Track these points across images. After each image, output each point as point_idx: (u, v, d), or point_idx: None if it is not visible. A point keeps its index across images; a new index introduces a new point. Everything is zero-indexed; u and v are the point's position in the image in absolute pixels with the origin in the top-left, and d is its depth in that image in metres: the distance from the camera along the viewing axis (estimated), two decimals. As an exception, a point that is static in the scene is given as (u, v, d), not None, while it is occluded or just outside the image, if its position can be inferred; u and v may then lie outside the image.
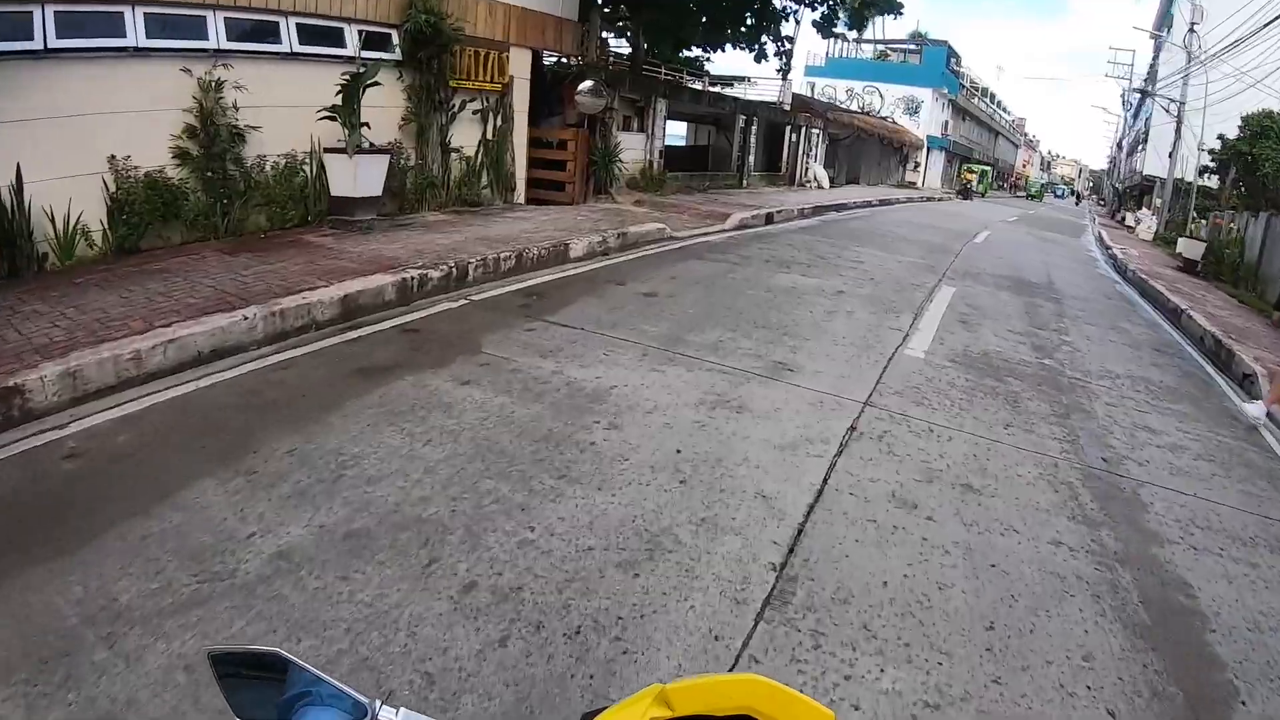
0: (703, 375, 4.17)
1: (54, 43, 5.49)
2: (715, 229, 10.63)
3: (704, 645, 2.09)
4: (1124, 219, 30.06)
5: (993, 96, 54.33)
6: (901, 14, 19.91)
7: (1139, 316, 8.73)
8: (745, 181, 18.98)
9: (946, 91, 39.34)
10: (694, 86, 18.02)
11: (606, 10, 13.86)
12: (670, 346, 4.64)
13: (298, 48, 7.28)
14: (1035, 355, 5.70)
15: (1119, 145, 47.71)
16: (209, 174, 6.40)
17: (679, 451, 3.18)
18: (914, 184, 35.33)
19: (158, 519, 2.50)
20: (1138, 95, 33.69)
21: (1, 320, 3.98)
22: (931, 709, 1.98)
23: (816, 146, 23.61)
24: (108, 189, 5.77)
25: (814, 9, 17.16)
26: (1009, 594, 2.57)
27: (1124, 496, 3.54)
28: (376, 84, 7.27)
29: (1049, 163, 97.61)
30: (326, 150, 7.15)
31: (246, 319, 4.32)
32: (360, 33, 7.75)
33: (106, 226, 5.79)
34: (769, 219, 12.53)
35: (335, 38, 7.64)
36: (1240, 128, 17.33)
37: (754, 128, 19.17)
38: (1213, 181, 19.87)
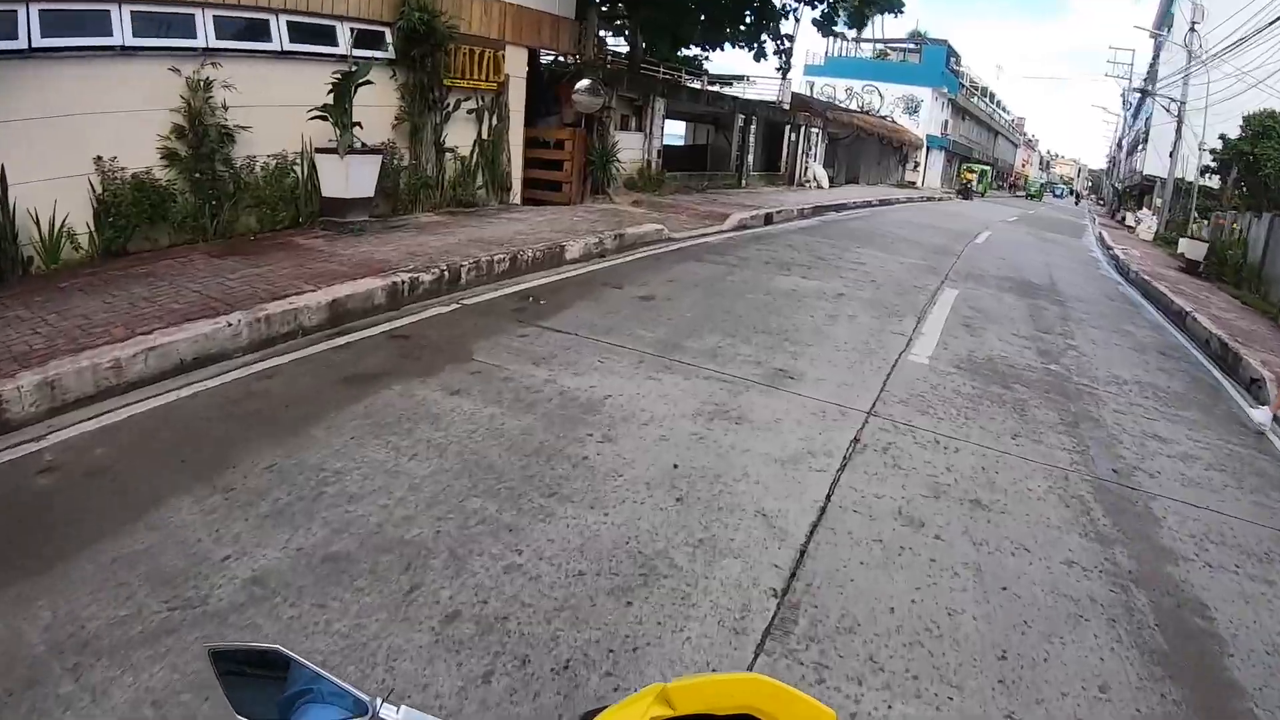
0: (701, 384, 4.04)
1: (39, 42, 5.37)
2: (714, 230, 10.50)
3: (701, 681, 1.96)
4: (1124, 219, 29.95)
5: (992, 96, 54.23)
6: (902, 12, 19.74)
7: (1143, 319, 8.61)
8: (744, 181, 18.85)
9: (946, 91, 39.21)
10: (692, 85, 17.88)
11: (604, 8, 13.71)
12: (667, 353, 4.51)
13: (289, 46, 7.15)
14: (1041, 360, 5.58)
15: (1119, 145, 47.62)
16: (197, 175, 6.27)
17: (676, 466, 3.05)
18: (913, 184, 35.20)
19: (131, 539, 2.39)
20: (1138, 95, 33.60)
21: (-20, 327, 3.85)
22: (944, 751, 1.85)
23: (816, 146, 23.47)
24: (94, 191, 5.65)
25: (814, 7, 17.01)
26: (1021, 619, 2.44)
27: (1136, 511, 3.42)
28: (369, 83, 7.13)
29: (1048, 162, 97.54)
30: (318, 150, 7.02)
31: (230, 325, 4.20)
32: (352, 31, 7.61)
33: (93, 229, 5.67)
34: (768, 219, 12.40)
35: (327, 36, 7.51)
36: (1242, 128, 17.23)
37: (753, 127, 19.04)
38: (1214, 181, 19.76)
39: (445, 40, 8.13)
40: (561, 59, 12.13)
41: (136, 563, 2.28)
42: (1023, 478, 3.48)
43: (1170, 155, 24.53)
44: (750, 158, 19.30)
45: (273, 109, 6.89)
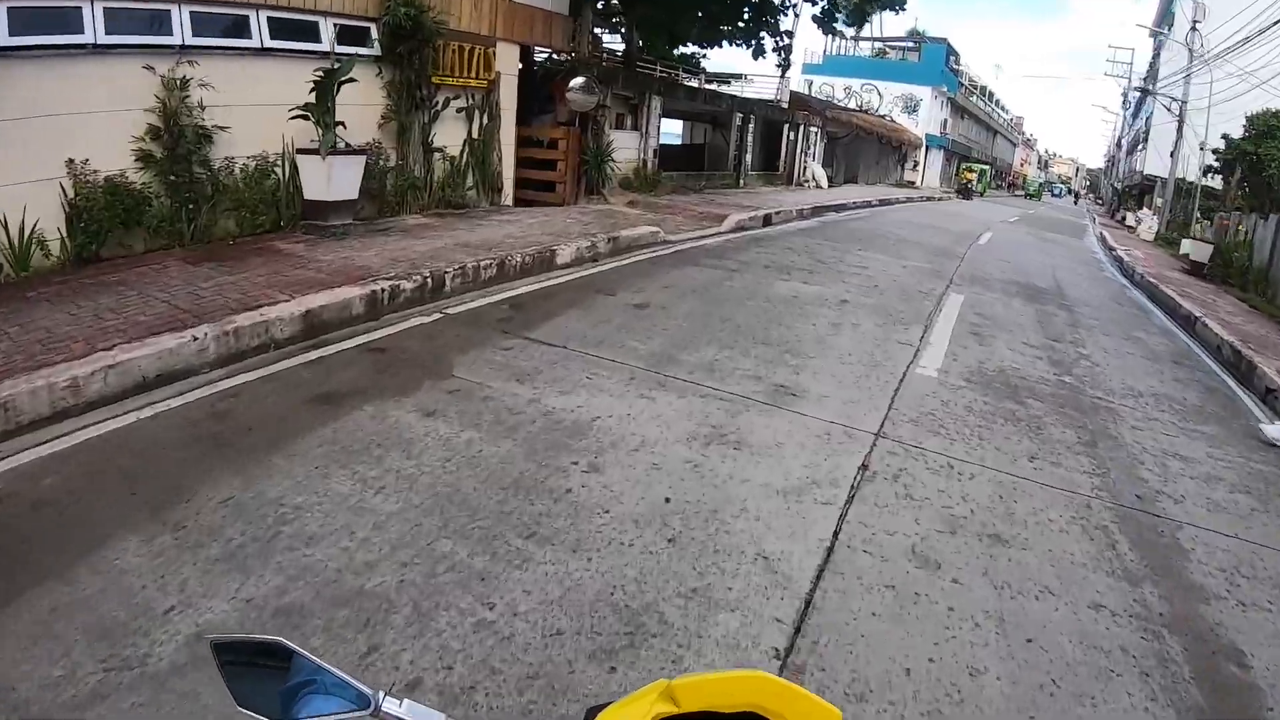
0: (696, 402, 3.77)
1: (7, 40, 5.11)
2: (711, 231, 10.24)
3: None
4: (1124, 219, 29.76)
5: (991, 95, 54.01)
6: (904, 9, 19.49)
7: (1152, 324, 8.37)
8: (742, 181, 18.58)
9: (945, 90, 38.97)
10: (689, 84, 17.61)
11: (599, 5, 13.44)
12: (661, 367, 4.25)
13: (269, 43, 6.87)
14: (1054, 372, 5.33)
15: (1118, 144, 47.44)
16: (173, 177, 6.01)
17: (668, 500, 2.78)
18: (913, 183, 34.95)
19: (71, 585, 2.17)
20: (1138, 94, 33.39)
21: (-66, 343, 3.60)
22: None
23: (814, 145, 23.21)
24: (66, 195, 5.40)
25: (814, 3, 16.76)
26: (1049, 677, 2.19)
27: (1163, 542, 3.17)
28: (352, 80, 6.86)
29: (1046, 162, 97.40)
30: (299, 151, 6.75)
31: (196, 339, 3.94)
32: (336, 26, 7.34)
33: (65, 235, 5.43)
34: (767, 220, 12.14)
35: (309, 32, 7.23)
36: (1245, 128, 17.02)
37: (751, 126, 18.77)
38: (1216, 182, 19.55)
39: (433, 36, 7.85)
40: (556, 56, 11.86)
41: (75, 613, 2.07)
42: (1043, 507, 3.23)
43: (1171, 155, 24.33)
44: (748, 157, 19.02)
45: (253, 108, 6.62)
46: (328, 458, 2.98)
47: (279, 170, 6.83)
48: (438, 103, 8.36)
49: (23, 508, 2.57)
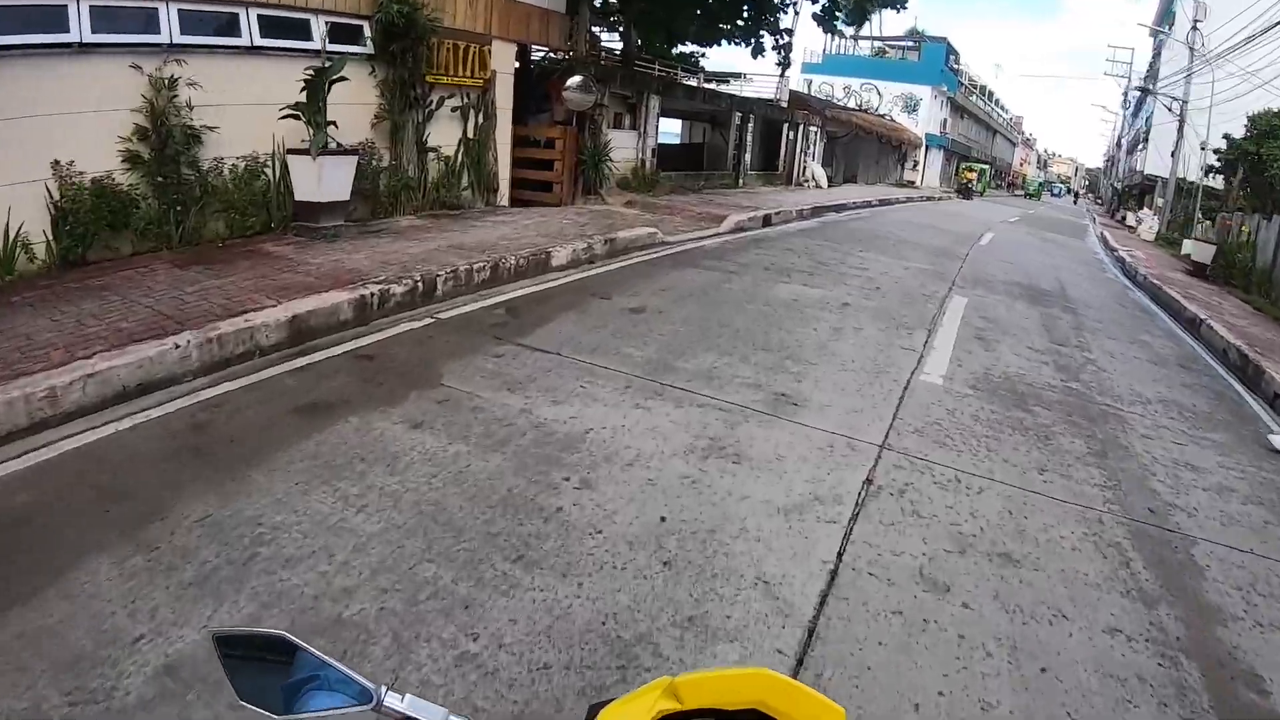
0: (694, 413, 3.64)
1: (-9, 40, 4.97)
2: (710, 232, 10.11)
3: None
4: (1124, 218, 29.67)
5: (990, 94, 53.89)
6: (905, 7, 19.33)
7: (1157, 327, 8.25)
8: (741, 181, 18.44)
9: (945, 89, 38.83)
10: (688, 83, 17.47)
11: (597, 3, 13.30)
12: (657, 375, 4.12)
13: (259, 41, 6.73)
14: (1060, 378, 5.20)
15: (1118, 144, 47.33)
16: (160, 179, 5.87)
17: (663, 519, 2.65)
18: (913, 183, 34.83)
19: (39, 611, 2.05)
20: (1138, 93, 33.28)
21: (-91, 351, 3.48)
22: None
23: (814, 145, 23.08)
24: (51, 197, 5.26)
25: (814, 1, 16.60)
26: (1064, 710, 2.07)
27: (1177, 559, 3.06)
28: (344, 79, 6.73)
29: (1045, 161, 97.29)
30: (289, 151, 6.61)
31: (178, 347, 3.82)
32: (328, 24, 7.19)
33: (50, 238, 5.29)
34: (766, 221, 12.01)
35: (300, 30, 7.08)
36: (1247, 127, 16.91)
37: (750, 125, 18.63)
38: (1217, 182, 19.44)
39: (427, 34, 7.71)
40: (553, 55, 11.73)
41: (42, 640, 1.96)
42: (1054, 523, 3.11)
43: (1172, 155, 24.24)
44: (747, 157, 18.89)
45: (242, 108, 6.48)
46: (309, 473, 2.86)
47: (269, 171, 6.69)
48: (432, 102, 8.22)
49: (-4, 527, 2.45)
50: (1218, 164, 18.54)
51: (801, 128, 21.83)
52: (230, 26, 6.57)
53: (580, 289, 6.08)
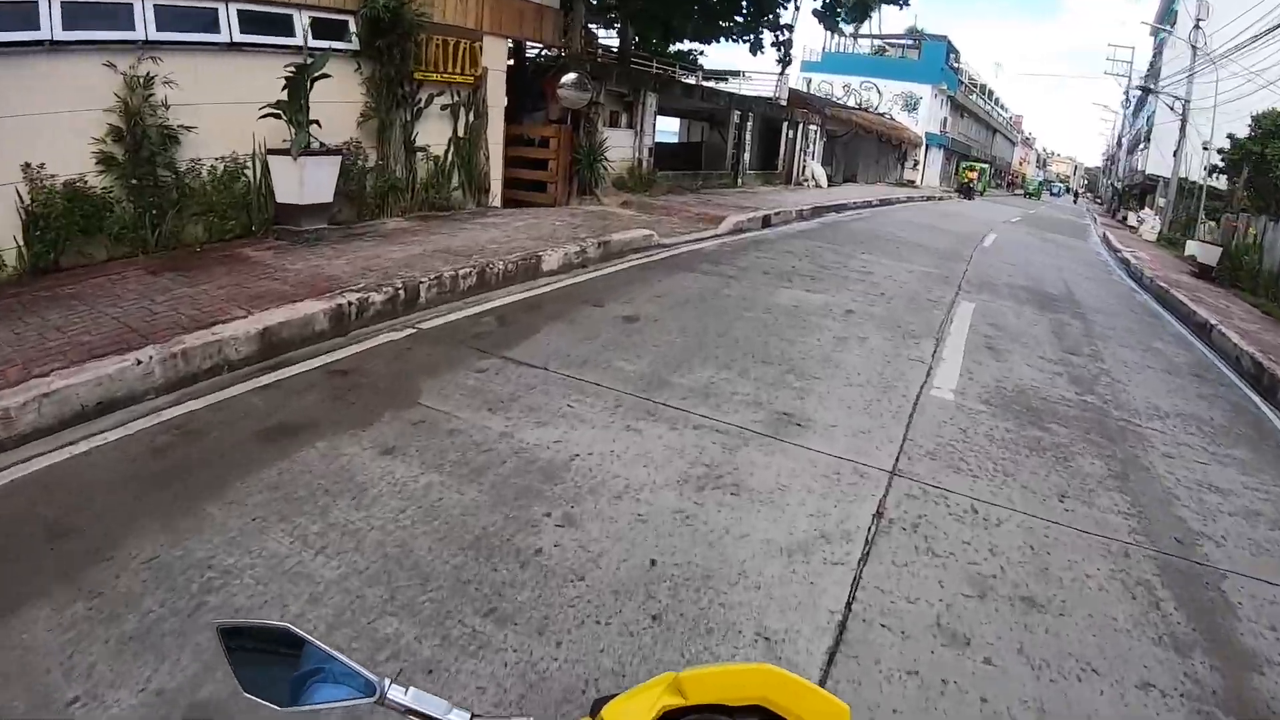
0: (689, 435, 3.38)
1: (-43, 38, 4.73)
2: (708, 234, 9.85)
3: None
4: (1125, 219, 29.46)
5: (990, 93, 53.63)
6: (908, 4, 19.04)
7: (1167, 333, 8.01)
8: (740, 180, 18.19)
9: (945, 88, 38.56)
10: (686, 81, 17.21)
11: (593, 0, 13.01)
12: (651, 392, 3.86)
13: (239, 37, 6.47)
14: (1075, 390, 4.96)
15: (1118, 143, 47.12)
16: (134, 181, 5.62)
17: (654, 563, 2.40)
18: (913, 182, 34.57)
19: None
20: (1139, 92, 33.04)
21: None
22: None
23: (814, 144, 22.82)
24: (22, 201, 5.03)
25: (815, -3, 16.30)
26: (1105, 787, 1.82)
27: (1209, 596, 2.82)
28: (326, 76, 6.48)
29: (1045, 160, 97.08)
30: (270, 152, 6.36)
31: (140, 363, 3.57)
32: (311, 19, 6.93)
33: (21, 243, 5.06)
34: (766, 222, 11.76)
35: (282, 26, 6.82)
36: (1251, 127, 16.67)
37: (749, 124, 18.36)
38: (1220, 182, 19.21)
39: (414, 29, 7.44)
40: (548, 51, 11.47)
41: None
42: (1079, 558, 2.86)
43: (1174, 154, 24.02)
44: (746, 156, 18.62)
45: (221, 107, 6.23)
46: (268, 507, 2.61)
47: (249, 172, 6.44)
48: (420, 100, 7.95)
49: (-64, 567, 2.22)
50: (1221, 164, 18.30)
51: (801, 126, 21.56)
52: (208, 22, 6.31)
53: (571, 296, 5.82)
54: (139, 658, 1.92)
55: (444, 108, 8.34)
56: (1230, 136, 17.50)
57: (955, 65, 41.12)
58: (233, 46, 6.43)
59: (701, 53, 21.19)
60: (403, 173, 7.86)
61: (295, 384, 3.75)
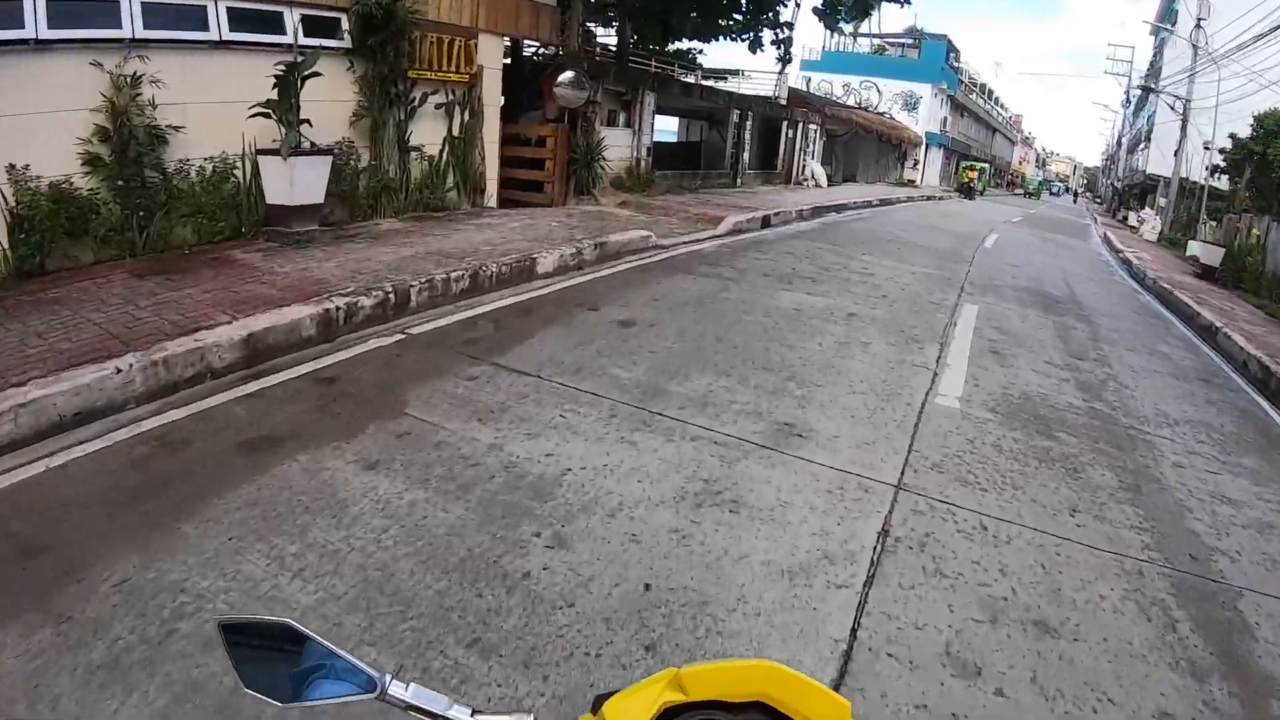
0: (686, 448, 3.25)
1: (-62, 38, 4.62)
2: (707, 235, 9.73)
3: None
4: (1125, 218, 29.36)
5: (990, 93, 53.51)
6: (909, 2, 18.95)
7: (1172, 335, 7.90)
8: (740, 180, 18.06)
9: (945, 87, 38.41)
10: (685, 79, 17.08)
11: (590, -3, 12.87)
12: (646, 402, 3.73)
13: (228, 35, 6.34)
14: (1083, 397, 4.84)
15: (1118, 142, 47.01)
16: (120, 182, 5.50)
17: (648, 588, 2.27)
18: (913, 181, 34.43)
19: None
20: (1140, 92, 32.94)
21: None
22: None
23: (814, 143, 22.69)
24: (6, 203, 4.92)
25: (815, -6, 16.17)
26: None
27: (1225, 616, 2.71)
28: (317, 74, 6.34)
29: (1044, 160, 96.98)
30: (261, 152, 6.23)
31: (120, 372, 3.46)
32: (302, 17, 6.80)
33: (6, 246, 4.96)
34: (766, 222, 11.63)
35: (273, 23, 6.69)
36: (1253, 127, 16.57)
37: (748, 123, 18.22)
38: (1222, 182, 19.10)
39: (408, 27, 7.31)
40: (546, 50, 11.35)
41: None
42: (1092, 578, 2.74)
43: (1175, 154, 23.92)
44: (746, 155, 18.49)
45: (210, 106, 6.11)
46: (245, 526, 2.49)
47: (239, 173, 6.31)
48: (414, 98, 7.82)
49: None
50: (1223, 164, 18.19)
51: (801, 126, 21.43)
52: (197, 19, 6.18)
53: (566, 299, 5.69)
54: (105, 689, 1.82)
55: (438, 107, 8.21)
56: (1232, 136, 17.39)
57: (955, 64, 40.99)
58: (222, 44, 6.30)
59: (701, 51, 21.06)
60: (396, 173, 7.73)
61: (279, 393, 3.62)
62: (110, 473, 2.87)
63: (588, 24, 13.91)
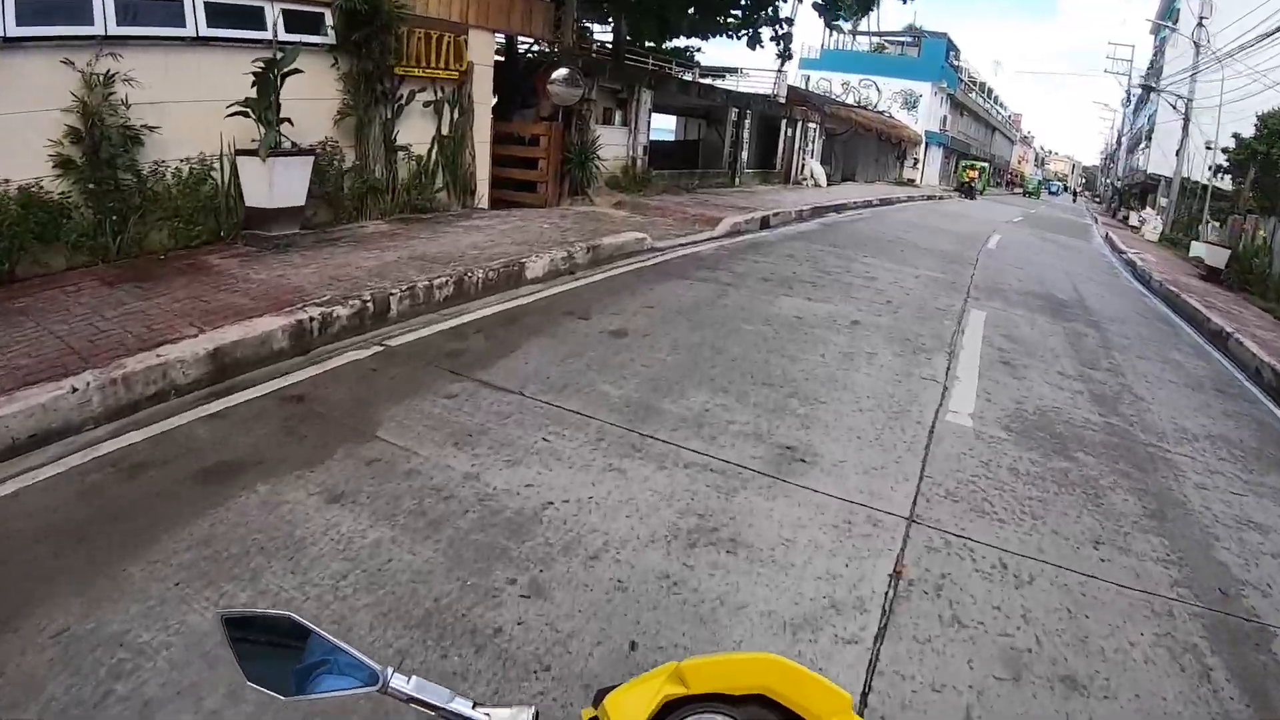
0: (680, 477, 3.01)
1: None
2: (704, 236, 9.48)
3: None
4: (1126, 218, 29.17)
5: (990, 91, 53.29)
6: (912, -2, 18.66)
7: (1183, 342, 7.68)
8: (738, 179, 17.81)
9: (945, 86, 38.16)
10: (683, 77, 16.82)
11: (586, -7, 12.61)
12: (637, 422, 3.48)
13: (205, 31, 6.08)
14: (1098, 411, 4.60)
15: (1118, 142, 46.81)
16: (92, 185, 5.25)
17: (634, 647, 2.03)
18: (912, 181, 34.19)
19: None
20: (1140, 91, 32.74)
21: None
22: None
23: (813, 142, 22.44)
24: (-27, 209, 4.67)
25: (816, -10, 15.87)
26: None
27: (1260, 661, 2.50)
28: (297, 71, 6.09)
29: (1043, 159, 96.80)
30: (240, 152, 5.99)
31: (75, 390, 3.23)
32: (283, 11, 6.54)
33: (-27, 254, 4.70)
34: (765, 223, 11.40)
35: (253, 18, 6.43)
36: (1257, 126, 16.36)
37: (747, 122, 17.97)
38: (1225, 182, 18.89)
39: (394, 22, 7.05)
40: (539, 46, 11.10)
41: None
42: (1120, 622, 2.51)
43: (1177, 154, 23.72)
44: (744, 154, 18.24)
45: (187, 105, 5.86)
46: (193, 569, 2.26)
47: (217, 174, 6.06)
48: (402, 96, 7.57)
49: None
50: (1226, 164, 17.98)
51: (800, 124, 21.18)
52: (172, 15, 5.93)
53: (555, 306, 5.44)
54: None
55: (427, 105, 7.96)
56: (1236, 136, 17.18)
57: (955, 63, 40.74)
58: (199, 41, 6.05)
59: (699, 49, 20.78)
60: (382, 173, 7.47)
61: (245, 412, 3.38)
62: (59, 506, 2.64)
63: (583, 20, 13.65)
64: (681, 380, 4.09)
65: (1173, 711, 2.16)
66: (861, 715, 1.90)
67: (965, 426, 3.94)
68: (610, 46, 14.53)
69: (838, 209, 15.38)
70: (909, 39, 39.33)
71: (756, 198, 14.84)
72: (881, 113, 33.54)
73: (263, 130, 5.90)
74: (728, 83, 20.49)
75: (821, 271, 7.98)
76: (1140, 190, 32.64)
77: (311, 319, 4.16)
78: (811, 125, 22.10)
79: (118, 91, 5.31)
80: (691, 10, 14.61)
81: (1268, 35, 17.03)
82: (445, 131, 8.22)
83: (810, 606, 2.27)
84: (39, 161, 5.05)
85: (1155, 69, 31.13)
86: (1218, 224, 17.46)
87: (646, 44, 16.89)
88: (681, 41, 18.67)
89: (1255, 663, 2.48)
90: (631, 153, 13.37)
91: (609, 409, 3.58)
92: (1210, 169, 19.38)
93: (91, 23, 5.37)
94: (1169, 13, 29.56)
